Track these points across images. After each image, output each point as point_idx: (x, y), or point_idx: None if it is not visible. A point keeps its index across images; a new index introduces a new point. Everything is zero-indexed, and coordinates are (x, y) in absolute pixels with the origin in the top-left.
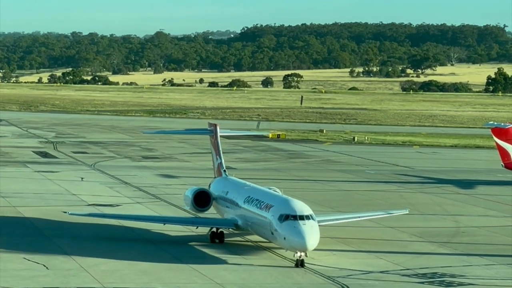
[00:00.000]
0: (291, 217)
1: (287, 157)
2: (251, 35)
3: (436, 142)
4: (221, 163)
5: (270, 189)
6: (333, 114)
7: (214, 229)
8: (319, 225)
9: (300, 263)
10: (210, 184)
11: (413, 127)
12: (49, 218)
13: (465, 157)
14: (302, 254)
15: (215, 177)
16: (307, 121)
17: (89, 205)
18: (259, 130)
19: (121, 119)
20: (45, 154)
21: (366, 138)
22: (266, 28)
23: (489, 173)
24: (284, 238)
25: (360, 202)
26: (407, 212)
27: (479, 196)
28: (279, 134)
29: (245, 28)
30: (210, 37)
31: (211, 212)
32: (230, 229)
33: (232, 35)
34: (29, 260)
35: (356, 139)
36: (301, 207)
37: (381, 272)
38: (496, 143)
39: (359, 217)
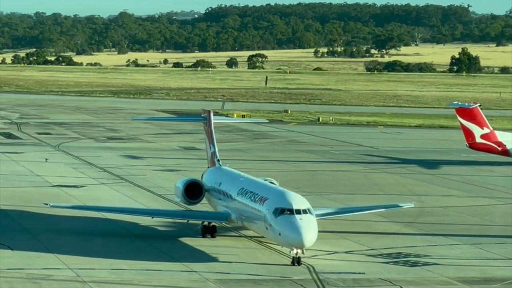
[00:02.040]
0: (287, 211)
1: (251, 137)
2: (216, 15)
3: (400, 122)
4: (214, 152)
5: (266, 180)
6: (297, 95)
7: (206, 223)
8: (317, 220)
9: (296, 261)
10: (202, 175)
11: (378, 107)
12: (14, 199)
13: (430, 137)
14: (299, 251)
15: (208, 167)
16: (272, 101)
17: (54, 186)
18: (258, 117)
19: (85, 100)
20: (9, 135)
21: (330, 118)
22: (231, 9)
23: (453, 153)
24: (280, 234)
25: (325, 182)
26: (413, 206)
27: (444, 176)
28: (244, 115)
29: (210, 9)
30: (174, 17)
31: (204, 204)
32: (223, 223)
33: (196, 16)
34: None
35: (320, 120)
36: (298, 200)
37: (346, 252)
38: (460, 123)
39: (361, 210)
